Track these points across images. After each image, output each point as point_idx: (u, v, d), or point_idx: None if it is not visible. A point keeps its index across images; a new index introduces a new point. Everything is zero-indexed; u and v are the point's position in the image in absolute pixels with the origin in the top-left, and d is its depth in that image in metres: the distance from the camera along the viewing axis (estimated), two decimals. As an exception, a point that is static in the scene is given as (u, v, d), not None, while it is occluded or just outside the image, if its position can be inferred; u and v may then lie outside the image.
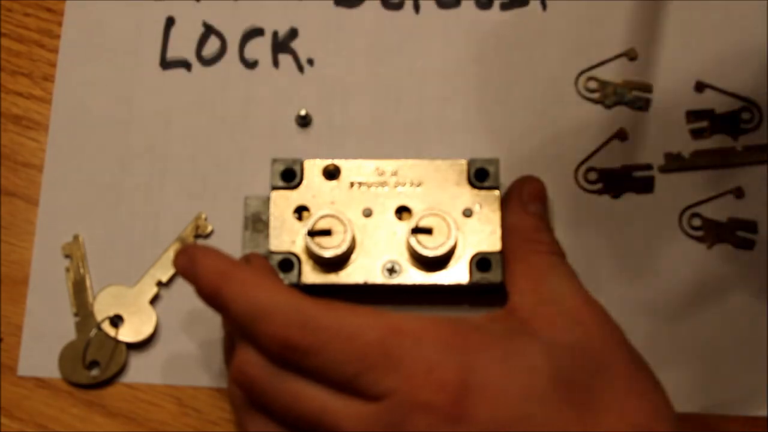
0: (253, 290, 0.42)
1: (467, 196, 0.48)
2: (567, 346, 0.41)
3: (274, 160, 0.48)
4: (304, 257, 0.47)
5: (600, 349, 0.42)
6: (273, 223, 0.48)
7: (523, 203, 0.48)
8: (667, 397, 0.42)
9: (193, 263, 0.43)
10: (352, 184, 0.48)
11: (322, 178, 0.48)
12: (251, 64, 0.54)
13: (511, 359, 0.40)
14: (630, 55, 0.53)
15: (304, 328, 0.40)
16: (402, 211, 0.48)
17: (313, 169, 0.48)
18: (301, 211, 0.48)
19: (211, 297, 0.43)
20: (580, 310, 0.43)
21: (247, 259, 0.46)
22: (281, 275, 0.47)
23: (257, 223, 0.49)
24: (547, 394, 0.40)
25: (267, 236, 0.48)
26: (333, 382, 0.40)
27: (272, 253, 0.47)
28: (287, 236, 0.47)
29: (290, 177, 0.48)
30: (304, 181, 0.48)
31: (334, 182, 0.48)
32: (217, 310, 0.43)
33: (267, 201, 0.48)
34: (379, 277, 0.47)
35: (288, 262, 0.47)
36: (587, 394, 0.40)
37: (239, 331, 0.44)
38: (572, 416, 0.40)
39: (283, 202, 0.48)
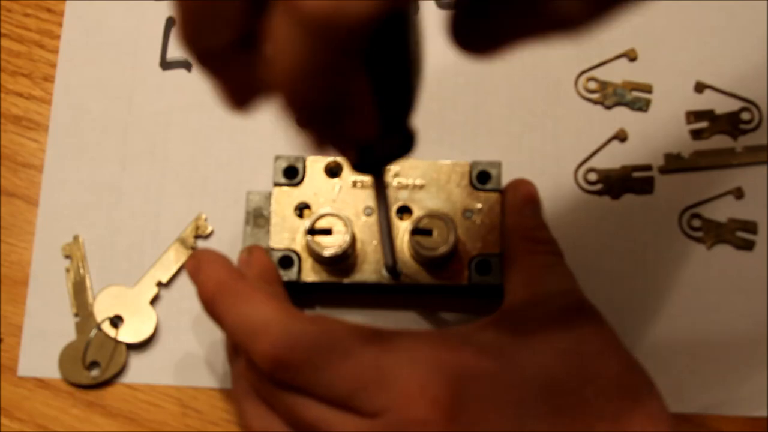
0: (246, 306, 0.42)
1: (468, 197, 0.48)
2: (559, 352, 0.41)
3: (277, 157, 0.48)
4: (304, 255, 0.47)
5: (593, 354, 0.42)
6: (274, 219, 0.47)
7: (520, 205, 0.48)
8: (663, 400, 0.41)
9: (198, 270, 0.44)
10: (354, 183, 0.48)
11: (324, 176, 0.48)
12: (251, 65, 0.53)
13: (503, 372, 0.40)
14: (630, 55, 0.53)
15: (294, 347, 0.40)
16: (403, 212, 0.48)
17: (315, 166, 0.48)
18: (302, 208, 0.48)
19: (206, 307, 0.43)
20: (574, 314, 0.43)
21: (249, 251, 0.47)
22: (281, 272, 0.47)
23: (258, 218, 0.49)
24: (539, 404, 0.40)
25: (268, 232, 0.48)
26: (326, 399, 0.40)
27: (272, 249, 0.47)
28: (288, 233, 0.47)
29: (292, 174, 0.48)
30: (306, 179, 0.48)
31: (336, 180, 0.48)
32: (213, 321, 0.43)
33: (269, 196, 0.48)
34: (378, 277, 0.47)
35: (288, 259, 0.47)
36: (580, 401, 0.40)
37: (235, 345, 0.44)
38: (566, 424, 0.39)
39: (284, 199, 0.48)
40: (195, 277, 0.44)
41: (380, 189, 0.40)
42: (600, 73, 0.53)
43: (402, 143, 0.36)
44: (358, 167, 0.37)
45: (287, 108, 0.31)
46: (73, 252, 0.51)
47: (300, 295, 0.47)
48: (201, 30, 0.32)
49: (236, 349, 0.44)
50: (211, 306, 0.43)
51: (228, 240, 0.50)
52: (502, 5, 0.33)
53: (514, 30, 0.33)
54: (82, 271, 0.50)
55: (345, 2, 0.28)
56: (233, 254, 0.46)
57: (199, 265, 0.44)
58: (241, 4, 0.30)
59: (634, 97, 0.52)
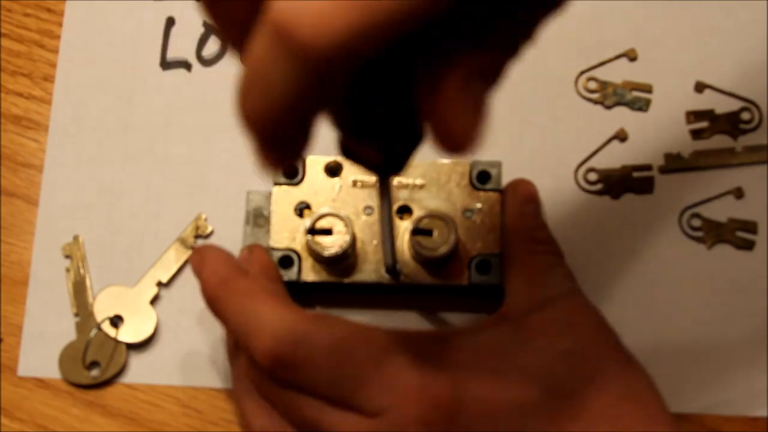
0: (248, 303, 0.42)
1: (469, 197, 0.48)
2: (559, 353, 0.41)
3: (277, 157, 0.48)
4: (304, 254, 0.47)
5: (593, 354, 0.42)
6: (274, 218, 0.47)
7: (520, 205, 0.48)
8: (663, 400, 0.41)
9: (201, 265, 0.44)
10: (354, 183, 0.48)
11: (324, 175, 0.48)
12: (251, 64, 0.53)
13: (503, 372, 0.40)
14: (630, 55, 0.53)
15: (295, 344, 0.40)
16: (403, 211, 0.48)
17: (315, 165, 0.48)
18: (302, 207, 0.48)
19: (209, 302, 0.43)
20: (574, 315, 0.43)
21: (250, 249, 0.47)
22: (281, 272, 0.47)
23: (258, 218, 0.49)
24: (539, 405, 0.40)
25: (268, 231, 0.48)
26: (327, 398, 0.40)
27: (272, 249, 0.47)
28: (288, 233, 0.47)
29: (292, 173, 0.48)
30: (306, 178, 0.48)
31: (336, 179, 0.48)
32: (215, 317, 0.43)
33: (269, 196, 0.48)
34: (378, 277, 0.47)
35: (288, 259, 0.47)
36: (580, 402, 0.40)
37: (236, 342, 0.44)
38: (566, 424, 0.39)
39: (284, 198, 0.48)
40: (198, 273, 0.44)
41: (384, 189, 0.40)
42: (600, 73, 0.53)
43: (388, 163, 0.35)
44: (381, 170, 0.35)
45: (252, 137, 0.28)
46: (73, 252, 0.51)
47: (300, 294, 0.47)
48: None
49: (237, 347, 0.44)
50: (214, 302, 0.43)
51: (228, 240, 0.50)
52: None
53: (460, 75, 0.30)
54: (82, 271, 0.50)
55: (350, 18, 0.24)
56: (233, 254, 0.46)
57: (203, 260, 0.44)
58: None
59: (634, 97, 0.52)
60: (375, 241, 0.47)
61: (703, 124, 0.52)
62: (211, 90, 0.53)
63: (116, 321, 0.49)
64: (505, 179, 0.49)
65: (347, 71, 0.26)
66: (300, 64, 0.25)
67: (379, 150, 0.34)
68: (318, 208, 0.47)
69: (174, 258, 0.50)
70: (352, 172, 0.48)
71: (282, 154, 0.29)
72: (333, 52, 0.25)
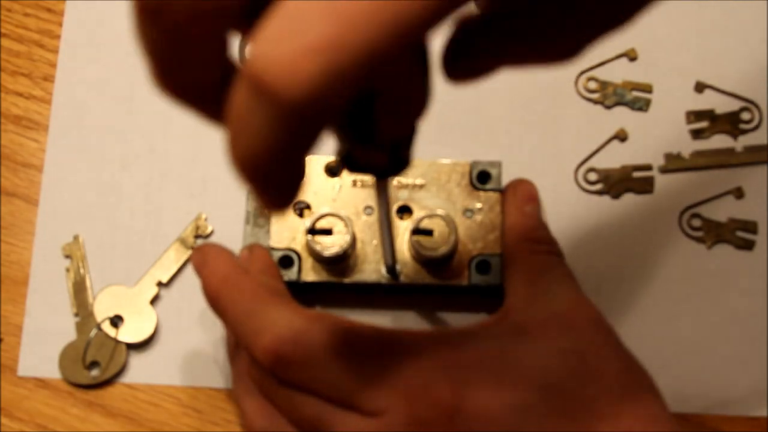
0: (250, 301, 0.42)
1: (469, 197, 0.48)
2: (559, 353, 0.41)
3: (277, 157, 0.48)
4: (304, 254, 0.47)
5: (593, 354, 0.41)
6: (274, 218, 0.47)
7: (520, 204, 0.48)
8: (663, 400, 0.41)
9: (203, 264, 0.44)
10: (354, 183, 0.48)
11: (324, 175, 0.48)
12: (251, 65, 0.53)
13: (503, 372, 0.40)
14: (630, 55, 0.53)
15: (296, 343, 0.40)
16: (403, 211, 0.48)
17: (315, 165, 0.48)
18: (302, 207, 0.48)
19: (211, 301, 0.43)
20: (574, 315, 0.43)
21: (250, 249, 0.47)
22: (281, 271, 0.47)
23: (258, 218, 0.48)
24: (539, 406, 0.40)
25: (268, 231, 0.48)
26: (327, 397, 0.40)
27: (273, 249, 0.47)
28: (288, 232, 0.47)
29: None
30: (306, 178, 0.48)
31: (335, 179, 0.48)
32: (217, 316, 0.43)
33: (269, 197, 0.48)
34: (379, 277, 0.47)
35: (288, 259, 0.47)
36: (580, 402, 0.40)
37: (237, 341, 0.44)
38: (567, 424, 0.39)
39: (284, 199, 0.48)
40: (200, 271, 0.44)
41: (381, 189, 0.40)
42: (600, 73, 0.53)
43: (393, 164, 0.35)
44: (387, 172, 0.36)
45: (247, 185, 0.29)
46: (73, 252, 0.51)
47: (300, 294, 0.47)
48: (179, 69, 0.29)
49: (238, 346, 0.44)
50: (216, 300, 0.43)
51: (228, 240, 0.50)
52: (490, 38, 0.32)
53: (498, 61, 0.33)
54: (82, 271, 0.50)
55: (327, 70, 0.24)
56: (235, 253, 0.46)
57: (204, 259, 0.44)
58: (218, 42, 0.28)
59: (634, 97, 0.52)
60: (375, 241, 0.47)
61: (703, 124, 0.52)
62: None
63: (116, 321, 0.49)
64: (505, 179, 0.49)
65: (330, 114, 0.26)
66: (278, 114, 0.25)
67: (386, 152, 0.34)
68: (318, 208, 0.47)
69: (174, 258, 0.50)
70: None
71: (280, 194, 0.29)
72: (309, 100, 0.25)
